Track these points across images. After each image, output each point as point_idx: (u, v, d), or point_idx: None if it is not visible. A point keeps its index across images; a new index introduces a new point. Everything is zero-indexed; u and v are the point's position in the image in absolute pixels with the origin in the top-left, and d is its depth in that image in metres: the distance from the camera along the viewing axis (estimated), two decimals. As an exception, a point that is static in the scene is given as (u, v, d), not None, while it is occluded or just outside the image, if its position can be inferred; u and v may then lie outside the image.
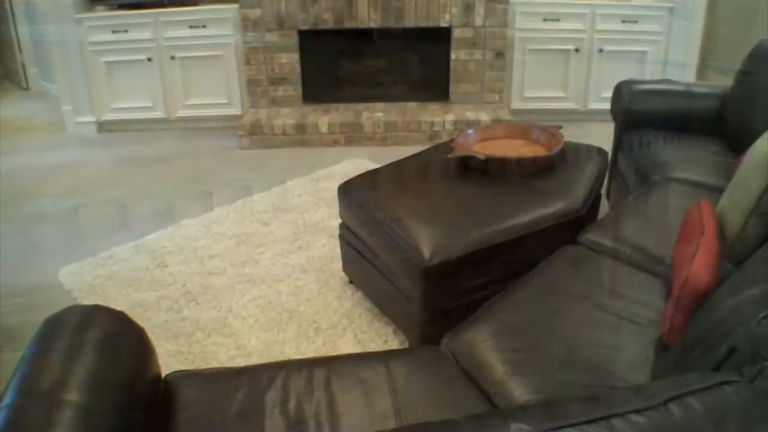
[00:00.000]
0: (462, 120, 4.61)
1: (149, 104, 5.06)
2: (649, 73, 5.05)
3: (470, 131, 3.12)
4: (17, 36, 6.96)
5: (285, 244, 3.35)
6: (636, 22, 4.94)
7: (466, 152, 2.83)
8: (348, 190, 2.75)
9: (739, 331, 1.25)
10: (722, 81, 5.76)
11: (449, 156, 2.85)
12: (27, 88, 7.09)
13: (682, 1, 4.95)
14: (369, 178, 2.84)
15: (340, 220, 2.85)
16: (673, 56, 5.05)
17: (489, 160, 2.77)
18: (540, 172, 2.82)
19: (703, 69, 6.22)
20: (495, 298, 2.07)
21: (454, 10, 4.69)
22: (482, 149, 2.94)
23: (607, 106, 3.76)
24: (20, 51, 7.03)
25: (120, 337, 1.61)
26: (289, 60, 4.80)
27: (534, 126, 3.17)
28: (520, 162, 2.81)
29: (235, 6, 4.75)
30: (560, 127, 3.15)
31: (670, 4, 4.94)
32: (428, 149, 3.10)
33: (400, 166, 2.94)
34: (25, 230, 3.68)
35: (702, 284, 1.73)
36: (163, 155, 4.68)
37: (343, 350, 2.55)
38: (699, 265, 1.79)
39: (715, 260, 1.85)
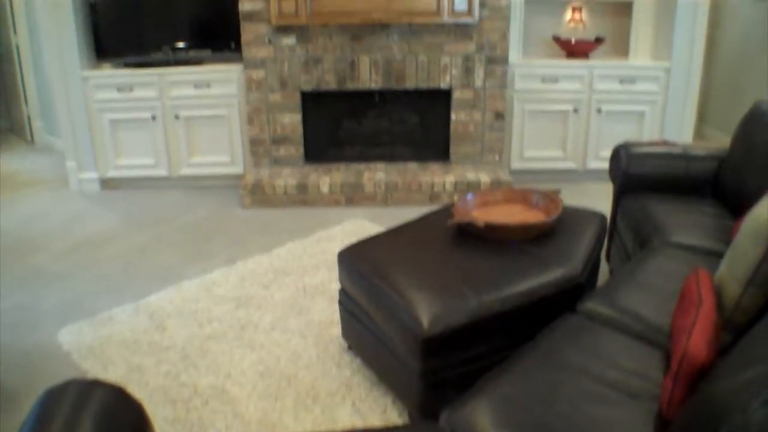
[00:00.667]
0: (462, 181, 4.65)
1: (152, 162, 5.12)
2: (647, 132, 5.11)
3: (469, 195, 3.15)
4: (24, 90, 7.07)
5: (284, 307, 3.35)
6: (633, 82, 5.02)
7: (466, 218, 2.85)
8: (348, 257, 2.77)
9: (735, 419, 1.25)
10: (720, 140, 5.84)
11: (449, 222, 2.87)
12: (32, 142, 7.17)
13: (679, 62, 5.02)
14: (369, 244, 2.85)
15: (340, 285, 2.85)
16: (670, 116, 5.11)
17: (488, 227, 2.79)
18: (539, 238, 2.84)
19: (701, 128, 6.30)
20: (494, 370, 2.07)
21: (454, 72, 4.78)
22: (482, 215, 2.96)
23: (606, 165, 3.79)
24: (26, 105, 7.14)
25: (118, 413, 1.61)
26: (292, 120, 4.88)
27: (533, 191, 3.20)
28: (519, 229, 2.83)
29: (240, 66, 4.85)
30: (559, 192, 3.18)
31: (667, 65, 5.02)
32: (428, 214, 3.12)
33: (399, 231, 2.95)
34: (26, 288, 3.69)
35: (700, 359, 1.73)
36: (165, 214, 4.71)
37: (342, 419, 2.53)
38: (697, 339, 1.80)
39: (714, 332, 1.85)
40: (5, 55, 7.34)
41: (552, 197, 3.09)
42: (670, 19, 5.00)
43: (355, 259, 2.74)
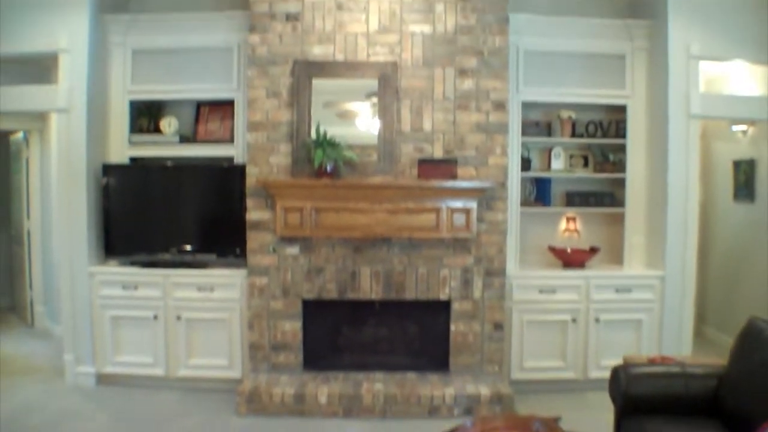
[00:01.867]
0: (461, 394, 4.57)
1: (150, 360, 5.09)
2: (646, 339, 5.13)
3: (468, 422, 3.12)
4: (30, 273, 7.18)
5: None
6: (630, 291, 5.11)
7: (465, 458, 2.81)
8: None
9: None
10: (720, 340, 5.85)
11: (447, 463, 2.82)
12: (31, 325, 7.19)
13: (673, 270, 5.15)
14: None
15: None
16: (668, 322, 5.16)
17: (487, 469, 2.73)
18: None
19: (700, 328, 6.33)
20: None
21: (453, 283, 4.89)
22: (481, 449, 2.92)
23: (607, 374, 3.74)
24: (30, 288, 7.22)
25: None
26: (292, 328, 4.91)
27: (533, 418, 3.17)
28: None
29: (244, 272, 4.96)
30: (559, 420, 3.14)
31: (661, 273, 5.14)
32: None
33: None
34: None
35: None
36: (158, 417, 4.59)
37: None
38: None
39: None
40: (16, 237, 7.54)
41: (552, 426, 3.06)
42: (661, 228, 5.18)
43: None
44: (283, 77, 4.85)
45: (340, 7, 4.84)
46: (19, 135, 7.21)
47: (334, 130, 4.75)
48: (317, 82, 4.84)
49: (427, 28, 4.85)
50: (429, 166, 4.73)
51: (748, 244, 6.07)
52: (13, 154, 7.58)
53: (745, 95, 5.60)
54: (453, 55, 4.86)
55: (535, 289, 5.05)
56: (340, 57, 4.85)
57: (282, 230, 4.75)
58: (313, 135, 4.72)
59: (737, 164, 6.26)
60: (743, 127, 6.13)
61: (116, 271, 5.15)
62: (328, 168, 4.67)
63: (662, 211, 5.18)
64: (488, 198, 4.85)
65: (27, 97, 5.27)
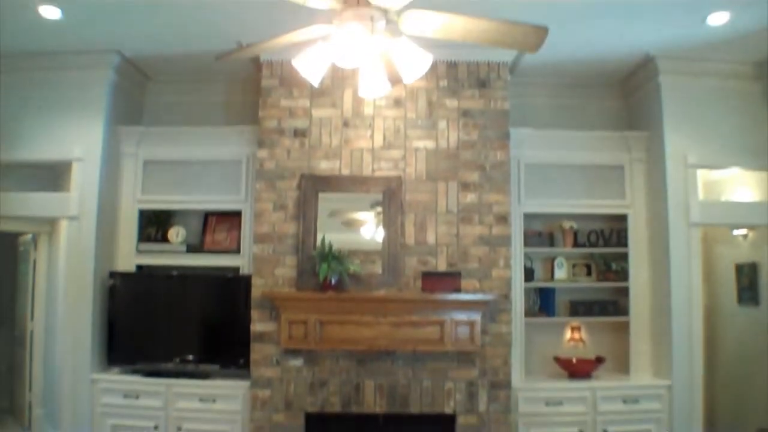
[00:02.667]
0: None
1: (148, 478, 4.98)
2: (655, 452, 5.04)
3: None
4: (30, 375, 7.09)
5: None
6: (637, 402, 5.06)
7: None
8: None
9: None
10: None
11: None
12: (29, 429, 7.04)
13: (680, 378, 5.11)
14: None
15: None
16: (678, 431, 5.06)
17: None
18: None
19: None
20: None
21: (458, 396, 4.84)
22: None
23: None
24: (30, 390, 7.11)
25: None
26: (294, 440, 4.85)
27: None
28: None
29: (246, 383, 4.92)
30: None
31: (668, 382, 5.10)
32: None
33: None
34: None
35: None
36: None
37: None
38: None
39: None
40: (19, 338, 7.50)
41: None
42: (667, 335, 5.17)
43: None
44: (289, 191, 4.97)
45: (346, 124, 5.02)
46: (28, 236, 7.29)
47: (340, 238, 4.85)
48: (323, 195, 4.95)
49: (430, 144, 5.01)
50: (433, 279, 4.77)
51: (754, 347, 6.02)
52: (21, 255, 7.63)
53: (744, 201, 5.68)
54: (456, 169, 4.99)
55: (541, 401, 4.98)
56: (346, 171, 4.99)
57: (286, 342, 4.75)
58: (319, 247, 4.79)
59: (740, 268, 6.28)
60: (744, 231, 6.19)
61: (118, 379, 5.12)
62: (333, 281, 4.71)
63: (667, 319, 5.18)
64: (492, 310, 4.86)
65: (39, 203, 5.38)
